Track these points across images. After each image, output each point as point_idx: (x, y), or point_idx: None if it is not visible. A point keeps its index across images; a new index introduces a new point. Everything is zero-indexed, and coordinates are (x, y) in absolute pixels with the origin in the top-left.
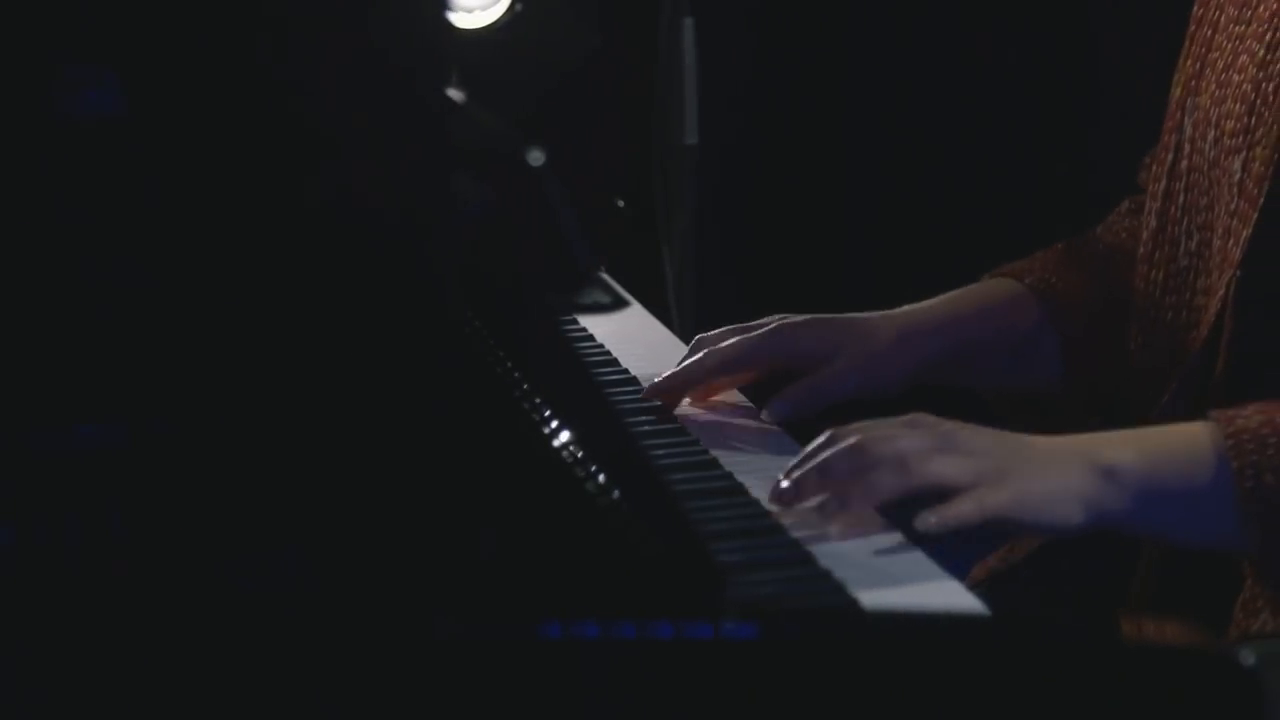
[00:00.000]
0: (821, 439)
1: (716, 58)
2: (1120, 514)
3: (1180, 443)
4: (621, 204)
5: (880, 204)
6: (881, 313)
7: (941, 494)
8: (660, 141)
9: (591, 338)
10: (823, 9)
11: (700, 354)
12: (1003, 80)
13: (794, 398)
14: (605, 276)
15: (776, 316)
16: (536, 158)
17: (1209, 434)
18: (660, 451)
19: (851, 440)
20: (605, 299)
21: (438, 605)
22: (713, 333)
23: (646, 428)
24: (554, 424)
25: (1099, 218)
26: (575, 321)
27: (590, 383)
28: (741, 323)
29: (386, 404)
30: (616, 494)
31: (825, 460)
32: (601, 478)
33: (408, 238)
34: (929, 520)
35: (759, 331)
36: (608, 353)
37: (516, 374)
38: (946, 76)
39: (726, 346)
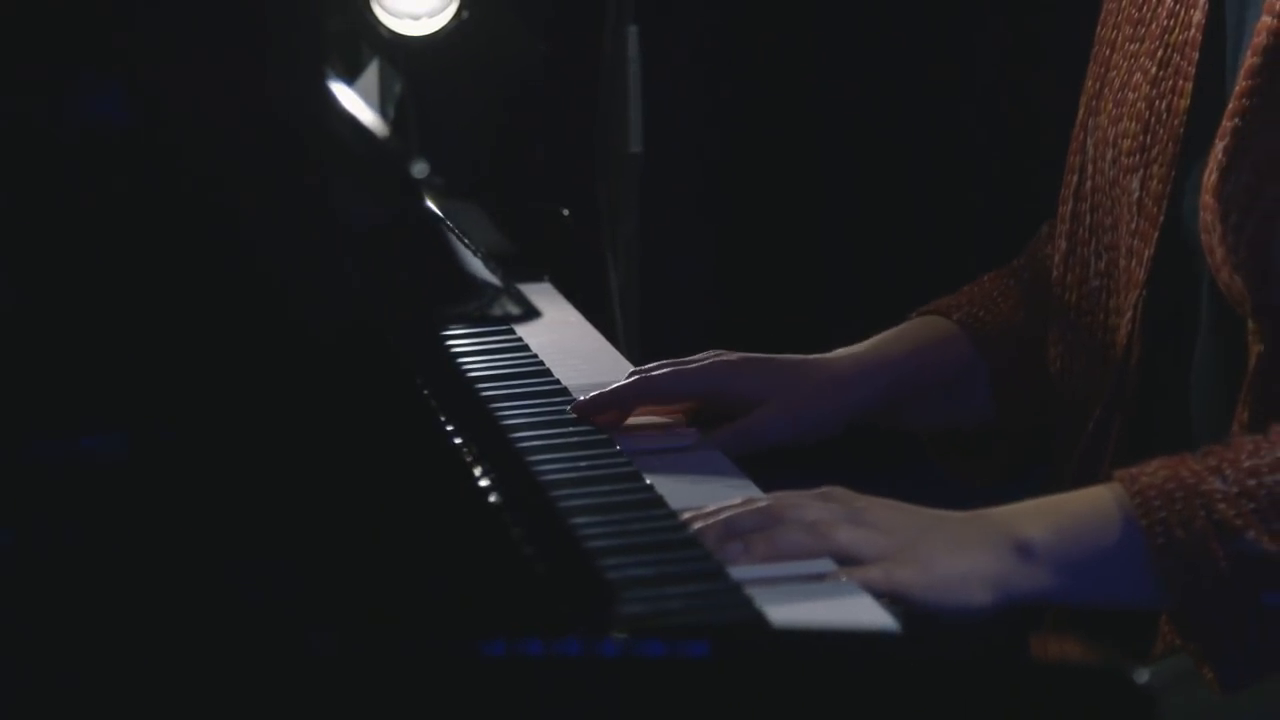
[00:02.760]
0: (731, 501)
1: (661, 65)
2: (1034, 590)
3: (1089, 509)
4: (566, 212)
5: (825, 212)
6: (816, 356)
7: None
8: (605, 149)
9: (526, 348)
10: (766, 17)
11: (631, 379)
12: (954, 80)
13: (723, 441)
14: (548, 284)
15: (712, 352)
16: (421, 170)
17: (1115, 496)
18: (583, 464)
19: (762, 503)
20: (539, 308)
21: (320, 621)
22: (648, 366)
23: (571, 439)
24: (453, 441)
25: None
26: (511, 331)
27: (476, 401)
28: (689, 325)
29: (273, 417)
30: (509, 511)
31: (732, 516)
32: (494, 497)
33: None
34: (837, 579)
35: (692, 366)
36: (540, 363)
37: (413, 391)
38: (892, 84)
39: (658, 377)
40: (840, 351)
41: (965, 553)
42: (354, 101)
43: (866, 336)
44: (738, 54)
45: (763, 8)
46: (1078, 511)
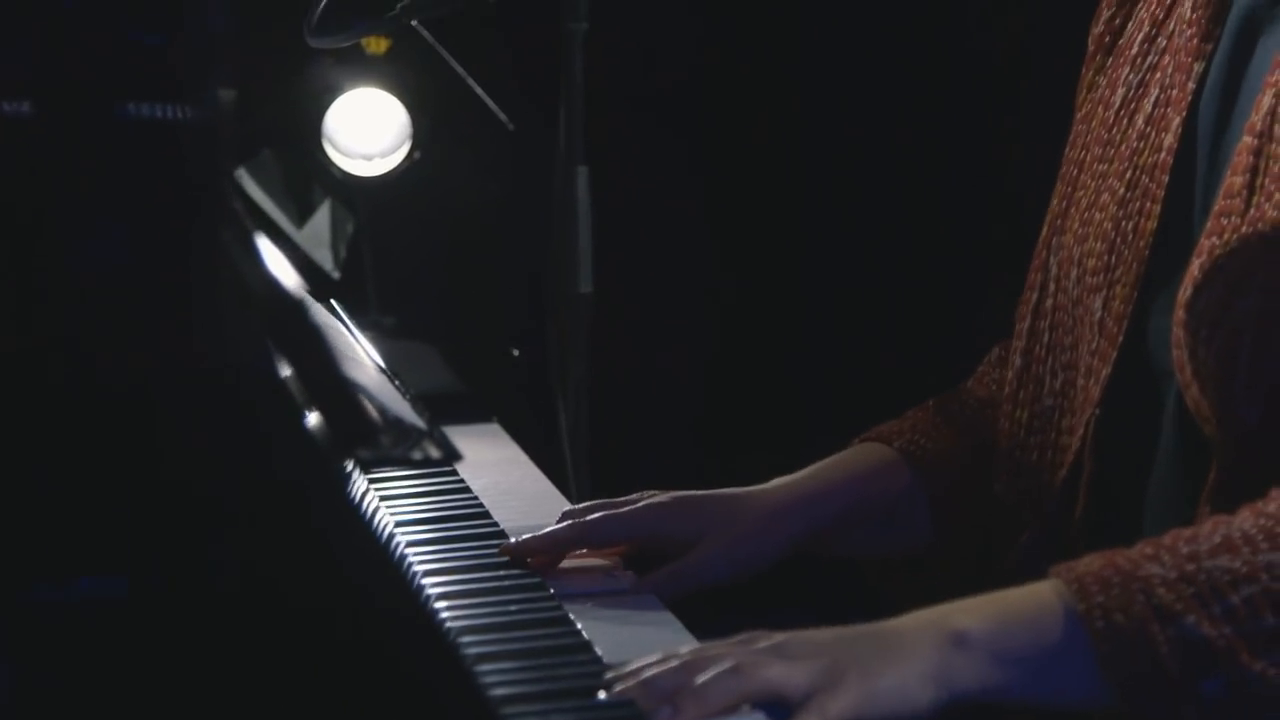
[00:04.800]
0: (650, 659)
1: (611, 206)
2: (976, 682)
3: (1026, 600)
4: (516, 352)
5: (770, 355)
6: (752, 489)
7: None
8: (555, 289)
9: (467, 489)
10: (714, 158)
11: (563, 525)
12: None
13: (659, 584)
14: (496, 425)
15: (645, 494)
16: (325, 307)
17: (1053, 586)
18: (513, 608)
19: (680, 659)
20: (485, 448)
21: None
22: (580, 506)
23: (504, 583)
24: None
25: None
26: (454, 473)
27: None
28: (641, 466)
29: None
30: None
31: (651, 677)
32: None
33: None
34: None
35: (625, 510)
36: (479, 505)
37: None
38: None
39: (591, 523)
40: (777, 482)
41: (900, 656)
42: (267, 252)
43: None
44: (689, 192)
45: (713, 149)
46: (1015, 603)
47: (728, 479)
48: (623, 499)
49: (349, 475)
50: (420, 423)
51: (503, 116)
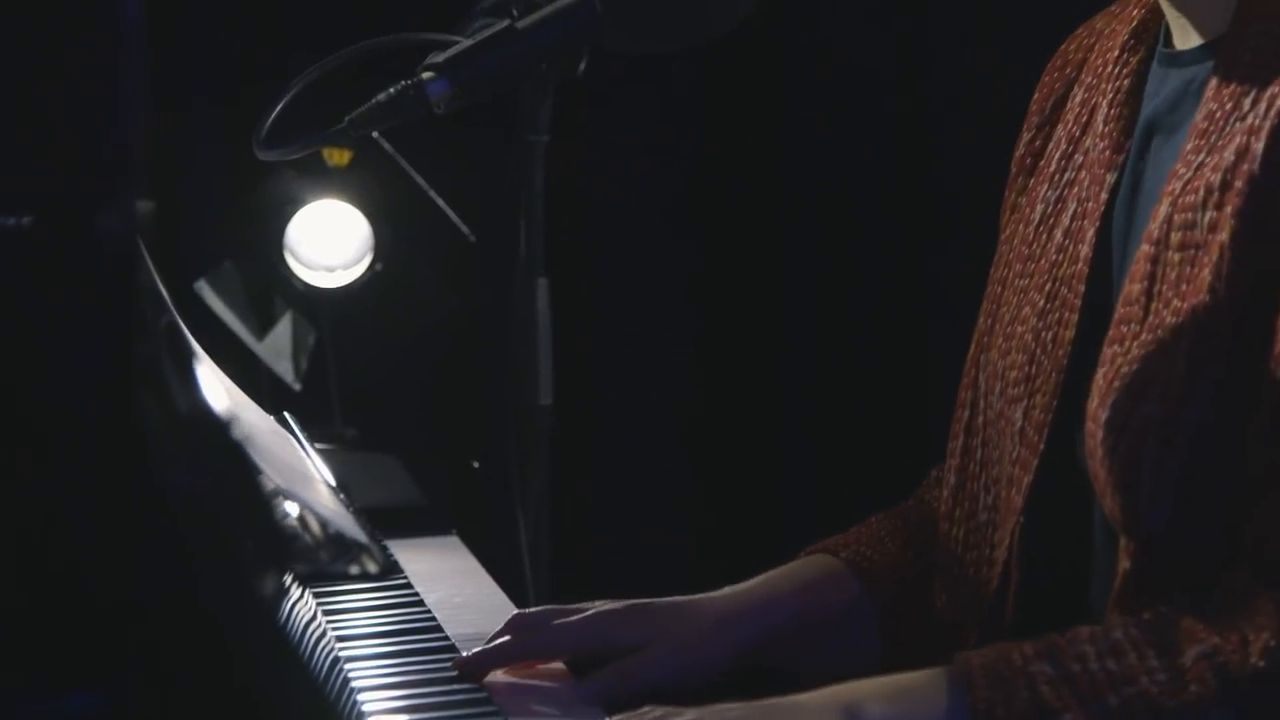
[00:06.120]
0: None
1: (571, 319)
2: None
3: (924, 687)
4: (476, 464)
5: (734, 469)
6: (701, 596)
7: None
8: (515, 401)
9: (420, 602)
10: (671, 272)
11: (512, 638)
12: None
13: (604, 682)
14: (455, 537)
15: (598, 602)
16: (279, 420)
17: (949, 673)
18: None
19: None
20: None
21: None
22: (530, 610)
23: (452, 697)
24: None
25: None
26: (408, 586)
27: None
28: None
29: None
30: None
31: None
32: None
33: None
34: None
35: (575, 618)
36: (431, 618)
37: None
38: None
39: (541, 636)
40: (726, 590)
41: None
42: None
43: None
44: (649, 307)
45: (668, 265)
46: (912, 686)
47: (689, 591)
48: (573, 606)
49: (281, 593)
50: (361, 537)
51: (464, 228)
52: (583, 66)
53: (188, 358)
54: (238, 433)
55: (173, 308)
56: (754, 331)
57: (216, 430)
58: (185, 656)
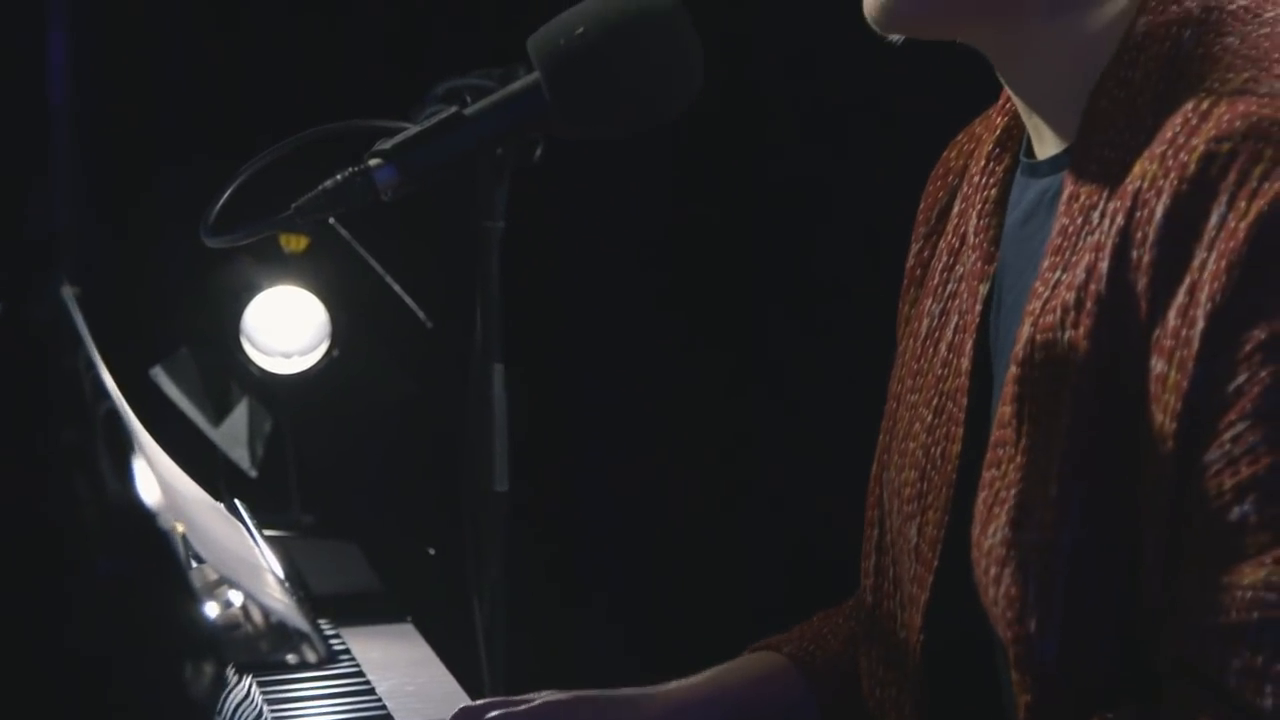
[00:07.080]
0: None
1: (527, 405)
2: None
3: None
4: (432, 551)
5: (688, 558)
6: (650, 688)
7: None
8: (471, 488)
9: (371, 691)
10: (628, 358)
11: None
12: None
13: None
14: (410, 624)
15: (546, 692)
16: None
17: None
18: None
19: None
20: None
21: None
22: (477, 704)
23: None
24: None
25: None
26: (361, 674)
27: None
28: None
29: None
30: None
31: None
32: None
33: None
34: None
35: (522, 709)
36: (383, 708)
37: None
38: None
39: None
40: (676, 683)
41: None
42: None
43: None
44: (603, 391)
45: (624, 351)
46: None
47: (646, 682)
48: (520, 697)
49: (218, 682)
50: (303, 626)
51: (420, 314)
52: (539, 153)
53: (126, 445)
54: (167, 522)
55: (115, 395)
56: (716, 422)
57: (146, 518)
58: None
